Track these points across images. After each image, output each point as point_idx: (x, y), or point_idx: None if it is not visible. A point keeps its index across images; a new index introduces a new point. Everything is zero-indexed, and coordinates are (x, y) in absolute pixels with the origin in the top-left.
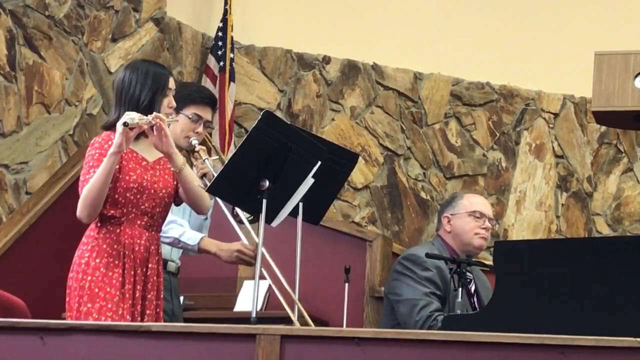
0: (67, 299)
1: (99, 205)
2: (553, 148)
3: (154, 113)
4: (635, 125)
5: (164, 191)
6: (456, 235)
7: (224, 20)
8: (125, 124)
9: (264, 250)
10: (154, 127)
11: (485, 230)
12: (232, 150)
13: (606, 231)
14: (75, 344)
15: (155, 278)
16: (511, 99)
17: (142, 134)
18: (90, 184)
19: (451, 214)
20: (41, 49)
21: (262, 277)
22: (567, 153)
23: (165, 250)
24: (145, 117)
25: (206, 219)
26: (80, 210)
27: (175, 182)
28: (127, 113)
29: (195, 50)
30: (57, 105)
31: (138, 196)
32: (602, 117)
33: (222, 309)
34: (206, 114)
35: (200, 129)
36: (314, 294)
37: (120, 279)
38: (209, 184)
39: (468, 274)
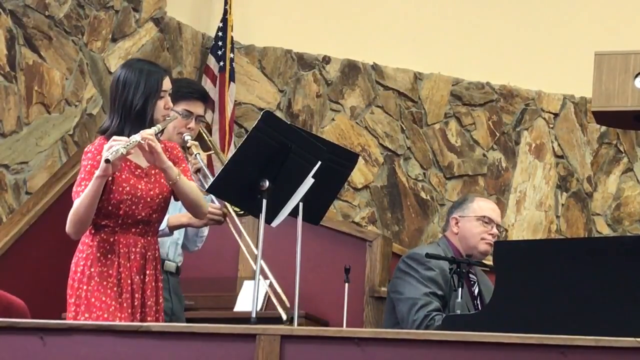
0: (67, 304)
1: (86, 224)
2: (553, 148)
3: (141, 133)
4: (635, 125)
5: (160, 197)
6: (463, 237)
7: (224, 20)
8: (107, 161)
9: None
10: (145, 145)
11: (492, 237)
12: (232, 150)
13: (606, 231)
14: (75, 344)
15: (153, 284)
16: (511, 99)
17: None
18: (78, 204)
19: (459, 216)
20: (41, 49)
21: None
22: (567, 153)
23: (163, 250)
24: (132, 140)
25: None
26: (69, 227)
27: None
28: (113, 139)
29: (195, 50)
30: (57, 105)
31: (133, 207)
32: (602, 117)
33: (222, 309)
34: (197, 108)
35: (192, 124)
36: (314, 294)
37: (116, 288)
38: (202, 180)
39: (472, 275)
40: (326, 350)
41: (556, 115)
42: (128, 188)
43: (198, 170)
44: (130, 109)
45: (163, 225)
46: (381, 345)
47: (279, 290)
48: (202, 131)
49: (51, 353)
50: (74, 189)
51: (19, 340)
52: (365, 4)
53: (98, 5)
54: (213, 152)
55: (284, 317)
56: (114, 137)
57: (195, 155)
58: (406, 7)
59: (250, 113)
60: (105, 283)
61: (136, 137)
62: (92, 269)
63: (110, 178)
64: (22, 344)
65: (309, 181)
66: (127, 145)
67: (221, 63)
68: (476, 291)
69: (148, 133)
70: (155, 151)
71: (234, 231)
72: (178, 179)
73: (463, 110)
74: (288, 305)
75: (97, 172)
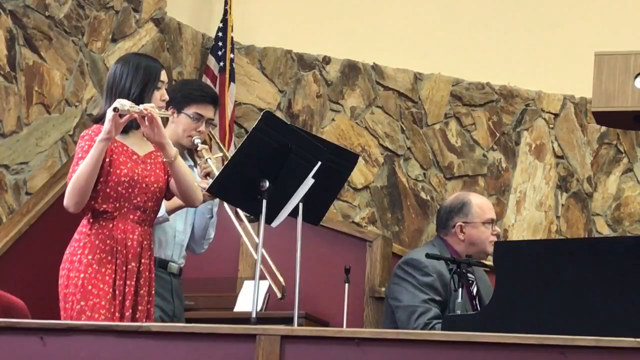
0: (60, 297)
1: (86, 194)
2: (553, 148)
3: (145, 103)
4: (635, 126)
5: (155, 185)
6: (471, 244)
7: (224, 20)
8: (115, 110)
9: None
10: (146, 118)
11: (495, 236)
12: (232, 151)
13: (606, 231)
14: (75, 344)
15: (147, 274)
16: (511, 99)
17: (132, 127)
18: (78, 172)
19: (464, 222)
20: (41, 49)
21: (262, 277)
22: (567, 153)
23: (167, 251)
24: (136, 106)
25: (212, 217)
26: (68, 199)
27: (166, 177)
28: (118, 100)
29: (195, 51)
30: (57, 105)
31: (130, 190)
32: (602, 118)
33: (222, 309)
34: (208, 112)
35: (202, 127)
36: (314, 294)
37: (114, 275)
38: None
39: (470, 275)
40: (326, 350)
41: (556, 115)
42: (126, 170)
43: (208, 175)
44: (127, 96)
45: (161, 212)
46: (381, 345)
47: (274, 268)
48: (210, 134)
49: (51, 353)
50: (70, 170)
51: (19, 340)
52: (366, 5)
53: (98, 6)
54: (221, 155)
55: (279, 294)
56: (118, 100)
57: (206, 159)
58: (406, 7)
59: (250, 113)
60: (103, 270)
61: (140, 106)
62: (90, 256)
63: (107, 160)
64: (22, 344)
65: (309, 181)
66: (133, 106)
67: (221, 63)
68: (474, 291)
69: (150, 105)
70: (156, 123)
71: (238, 227)
72: (175, 159)
73: (463, 111)
74: (282, 282)
75: (101, 135)
